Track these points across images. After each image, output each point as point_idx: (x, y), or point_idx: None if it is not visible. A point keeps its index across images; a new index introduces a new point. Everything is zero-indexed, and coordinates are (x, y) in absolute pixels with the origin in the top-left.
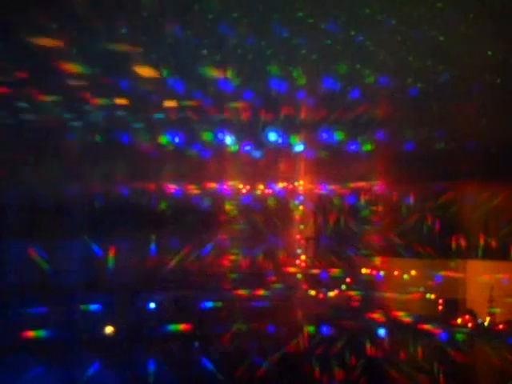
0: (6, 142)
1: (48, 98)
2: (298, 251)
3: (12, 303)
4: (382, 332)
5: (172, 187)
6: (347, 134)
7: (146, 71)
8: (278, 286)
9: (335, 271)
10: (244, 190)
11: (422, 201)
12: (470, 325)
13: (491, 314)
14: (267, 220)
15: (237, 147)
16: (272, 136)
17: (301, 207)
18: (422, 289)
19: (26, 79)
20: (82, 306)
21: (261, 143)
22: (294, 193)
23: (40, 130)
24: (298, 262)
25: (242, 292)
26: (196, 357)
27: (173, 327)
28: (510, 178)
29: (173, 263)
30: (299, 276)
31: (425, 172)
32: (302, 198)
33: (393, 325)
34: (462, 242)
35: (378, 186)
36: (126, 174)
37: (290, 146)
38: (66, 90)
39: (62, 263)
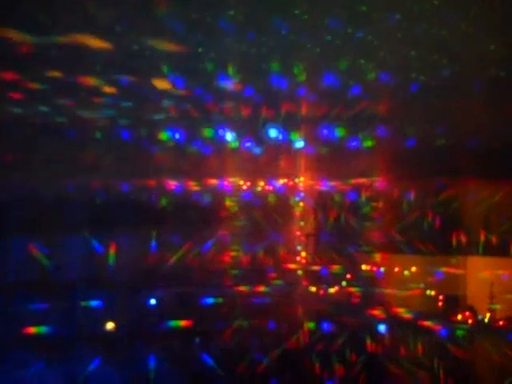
0: (5, 138)
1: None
2: (299, 248)
3: (13, 299)
4: (382, 328)
5: (173, 183)
6: (348, 131)
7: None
8: (279, 282)
9: (336, 268)
10: (244, 187)
11: (423, 197)
12: (470, 321)
13: (491, 311)
14: (268, 216)
15: (237, 143)
16: (272, 132)
17: (301, 204)
18: (422, 285)
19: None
20: (83, 302)
21: (261, 139)
22: (294, 189)
23: (40, 126)
24: (298, 258)
25: (242, 288)
26: (197, 353)
27: (174, 323)
28: (510, 175)
29: (173, 259)
30: (300, 272)
31: (426, 168)
32: (302, 194)
33: (393, 321)
34: (463, 239)
35: (378, 182)
36: (126, 171)
37: (291, 142)
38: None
39: (62, 259)
